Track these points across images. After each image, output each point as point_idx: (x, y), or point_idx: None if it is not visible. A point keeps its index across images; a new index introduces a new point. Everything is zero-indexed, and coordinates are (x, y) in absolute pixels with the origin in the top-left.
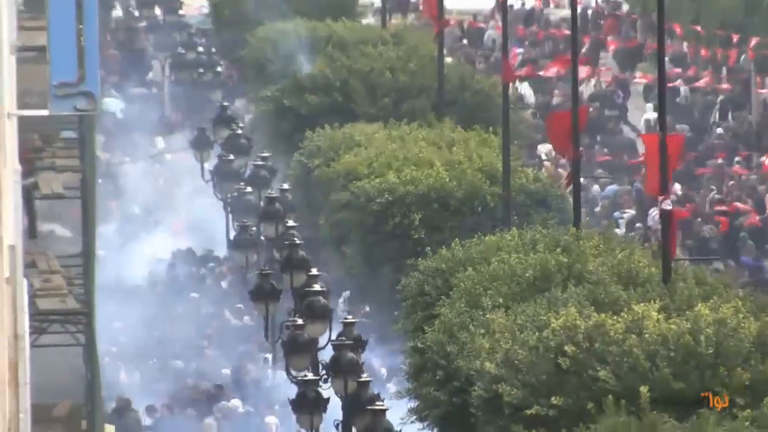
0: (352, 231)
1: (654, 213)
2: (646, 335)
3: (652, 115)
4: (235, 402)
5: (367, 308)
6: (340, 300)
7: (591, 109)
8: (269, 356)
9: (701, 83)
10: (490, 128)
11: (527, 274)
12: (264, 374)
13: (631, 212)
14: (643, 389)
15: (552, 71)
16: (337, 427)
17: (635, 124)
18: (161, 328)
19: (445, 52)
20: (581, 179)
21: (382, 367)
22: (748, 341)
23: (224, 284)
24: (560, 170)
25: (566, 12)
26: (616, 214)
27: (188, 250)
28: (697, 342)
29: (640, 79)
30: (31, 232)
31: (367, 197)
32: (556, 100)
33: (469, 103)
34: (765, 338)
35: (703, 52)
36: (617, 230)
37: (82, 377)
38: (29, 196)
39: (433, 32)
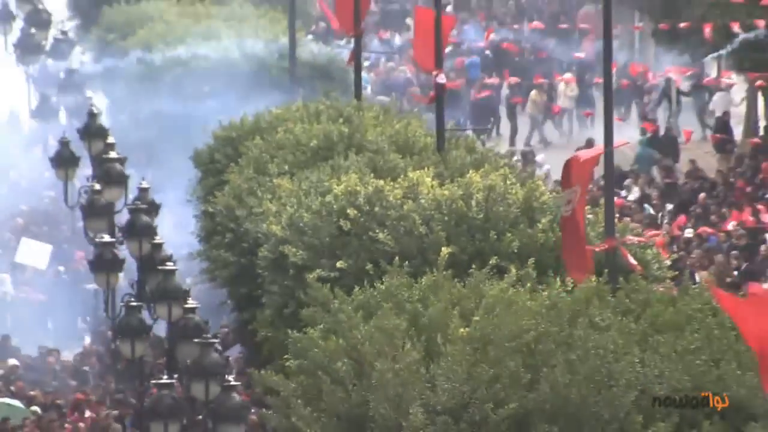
0: (147, 100)
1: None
2: (422, 200)
3: None
4: None
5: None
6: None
7: None
8: None
9: None
10: (279, 8)
11: (311, 143)
12: None
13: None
14: (444, 250)
15: None
16: (132, 286)
17: None
18: None
19: None
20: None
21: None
22: (516, 206)
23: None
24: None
25: None
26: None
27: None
28: (468, 207)
29: None
30: None
31: (159, 70)
32: None
33: None
34: (531, 203)
35: None
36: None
37: None
38: None
39: None
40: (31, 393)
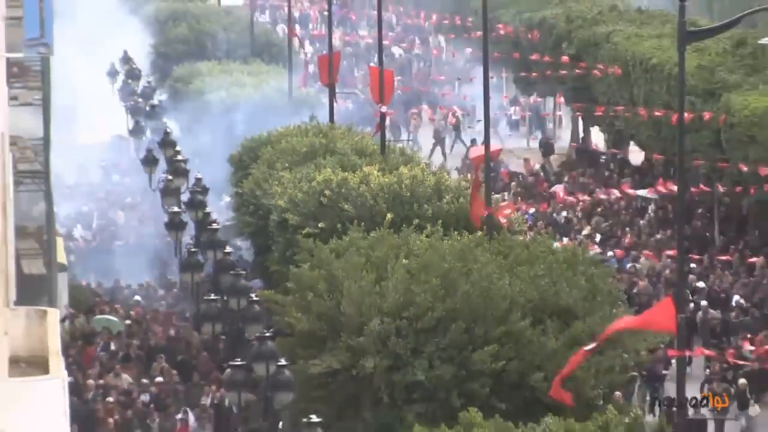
0: (201, 124)
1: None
2: (371, 185)
3: None
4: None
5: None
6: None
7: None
8: None
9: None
10: (282, 65)
11: (302, 150)
12: None
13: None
14: (389, 216)
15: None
16: (191, 239)
17: None
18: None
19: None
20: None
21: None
22: (430, 188)
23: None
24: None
25: None
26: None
27: (121, 136)
28: (401, 188)
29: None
30: None
31: (208, 105)
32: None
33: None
34: (439, 186)
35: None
36: None
37: (43, 212)
38: None
39: None
40: (131, 312)
